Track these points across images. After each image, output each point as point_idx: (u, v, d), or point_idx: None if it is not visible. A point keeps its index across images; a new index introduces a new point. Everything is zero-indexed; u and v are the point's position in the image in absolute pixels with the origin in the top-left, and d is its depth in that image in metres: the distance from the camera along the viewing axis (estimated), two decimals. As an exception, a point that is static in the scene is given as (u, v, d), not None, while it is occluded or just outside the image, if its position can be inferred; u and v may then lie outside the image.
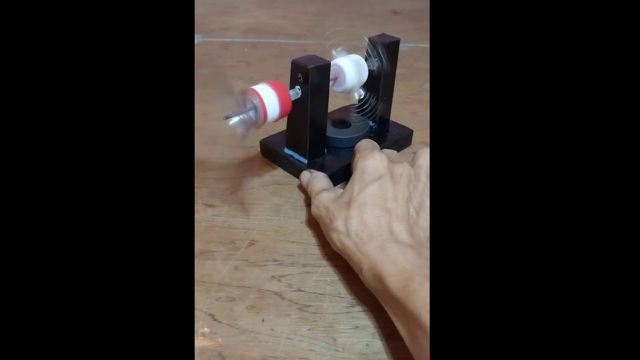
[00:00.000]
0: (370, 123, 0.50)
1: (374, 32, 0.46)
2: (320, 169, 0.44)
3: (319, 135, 0.44)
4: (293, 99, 0.39)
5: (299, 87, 0.40)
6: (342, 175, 0.45)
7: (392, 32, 0.48)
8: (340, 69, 0.43)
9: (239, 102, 0.37)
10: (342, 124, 0.49)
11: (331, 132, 0.47)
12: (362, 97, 0.47)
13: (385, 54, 0.45)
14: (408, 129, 0.52)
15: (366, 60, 0.46)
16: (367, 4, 1.06)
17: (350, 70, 0.43)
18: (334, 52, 0.44)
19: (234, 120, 0.36)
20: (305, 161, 0.44)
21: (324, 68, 0.40)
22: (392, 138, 0.50)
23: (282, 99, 0.38)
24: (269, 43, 0.81)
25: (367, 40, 0.46)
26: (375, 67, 0.46)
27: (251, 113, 0.37)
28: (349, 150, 0.45)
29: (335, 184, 0.43)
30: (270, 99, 0.37)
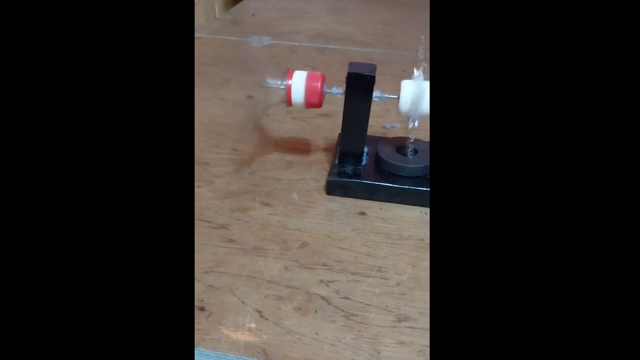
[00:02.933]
0: None
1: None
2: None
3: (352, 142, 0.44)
4: (333, 94, 0.42)
5: (337, 87, 0.41)
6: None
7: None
8: (400, 91, 0.40)
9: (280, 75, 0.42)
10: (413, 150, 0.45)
11: (394, 158, 0.44)
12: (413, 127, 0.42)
13: None
14: None
15: None
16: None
17: (407, 95, 0.40)
18: (415, 70, 0.40)
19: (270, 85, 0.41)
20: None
21: (365, 78, 0.39)
22: None
23: (308, 88, 0.40)
24: (336, 49, 0.81)
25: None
26: None
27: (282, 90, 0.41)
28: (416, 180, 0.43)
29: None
30: (298, 84, 0.40)
